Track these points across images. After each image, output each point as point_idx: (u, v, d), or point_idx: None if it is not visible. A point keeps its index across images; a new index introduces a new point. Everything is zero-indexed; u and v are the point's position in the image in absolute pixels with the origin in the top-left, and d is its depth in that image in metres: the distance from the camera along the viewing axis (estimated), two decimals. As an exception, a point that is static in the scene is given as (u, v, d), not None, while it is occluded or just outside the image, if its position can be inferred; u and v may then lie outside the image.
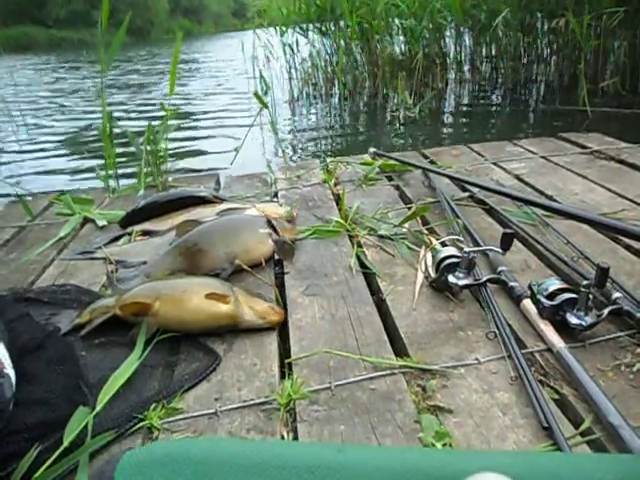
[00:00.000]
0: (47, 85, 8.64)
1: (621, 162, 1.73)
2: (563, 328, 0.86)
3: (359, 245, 1.26)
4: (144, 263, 1.22)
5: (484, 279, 1.00)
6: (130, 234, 1.42)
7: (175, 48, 1.79)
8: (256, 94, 2.23)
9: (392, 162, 1.80)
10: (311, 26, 4.74)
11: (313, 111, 4.76)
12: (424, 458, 0.49)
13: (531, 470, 0.46)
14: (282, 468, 0.46)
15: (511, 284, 0.98)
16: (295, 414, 0.75)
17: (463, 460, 0.49)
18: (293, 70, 5.04)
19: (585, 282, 0.85)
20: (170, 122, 1.97)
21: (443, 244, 1.15)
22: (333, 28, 4.61)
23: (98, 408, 0.75)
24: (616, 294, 0.90)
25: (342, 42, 4.51)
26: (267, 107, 2.25)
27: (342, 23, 4.48)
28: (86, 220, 1.58)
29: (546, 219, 1.27)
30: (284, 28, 4.74)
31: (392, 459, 0.47)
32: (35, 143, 4.27)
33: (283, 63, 5.06)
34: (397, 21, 4.50)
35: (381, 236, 1.29)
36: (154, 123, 1.97)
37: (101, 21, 1.70)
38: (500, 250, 1.02)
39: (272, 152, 3.26)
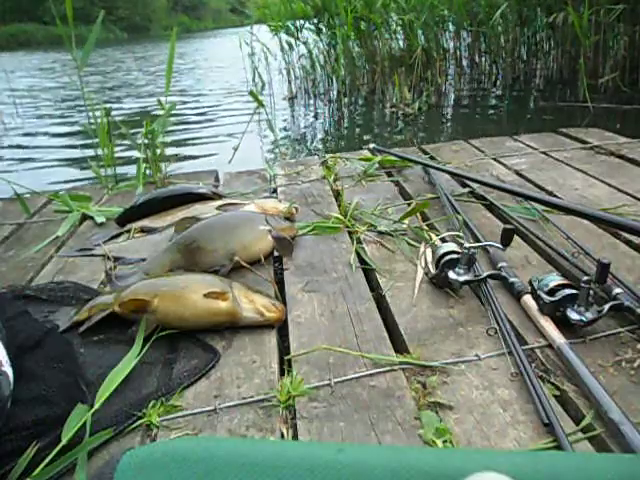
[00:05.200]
0: (42, 81, 8.61)
1: (621, 157, 1.72)
2: (564, 324, 0.85)
3: (359, 241, 1.26)
4: (143, 260, 1.22)
5: (484, 275, 0.99)
6: (129, 231, 1.42)
7: (170, 45, 1.78)
8: (252, 93, 2.21)
9: (391, 158, 1.79)
10: (307, 24, 4.72)
11: (312, 107, 4.75)
12: (424, 457, 0.49)
13: (531, 469, 0.46)
14: (282, 468, 0.46)
15: (511, 280, 0.98)
16: (294, 411, 0.75)
17: (463, 459, 0.49)
18: (291, 67, 5.03)
19: (586, 278, 0.84)
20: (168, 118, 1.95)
21: (443, 240, 1.14)
22: (330, 25, 4.59)
23: (96, 406, 0.74)
24: (617, 290, 0.90)
25: (340, 39, 4.49)
26: (263, 105, 2.24)
27: (339, 20, 4.46)
28: (84, 217, 1.58)
29: (546, 214, 1.27)
30: (279, 26, 4.71)
31: (392, 458, 0.47)
32: (32, 139, 4.26)
33: (281, 60, 5.04)
34: (395, 16, 4.48)
35: (381, 232, 1.29)
36: (152, 118, 1.96)
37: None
38: (500, 246, 1.01)
39: (271, 149, 3.25)
